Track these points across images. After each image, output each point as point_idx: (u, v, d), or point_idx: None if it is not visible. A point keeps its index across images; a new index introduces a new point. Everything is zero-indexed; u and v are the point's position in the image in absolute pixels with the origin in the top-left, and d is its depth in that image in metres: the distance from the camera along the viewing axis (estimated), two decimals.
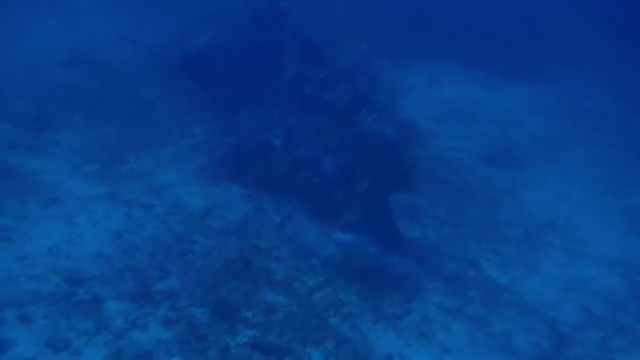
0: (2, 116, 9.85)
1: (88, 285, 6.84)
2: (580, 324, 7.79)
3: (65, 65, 11.77)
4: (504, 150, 11.56)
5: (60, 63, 11.83)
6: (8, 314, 6.16)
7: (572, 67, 15.77)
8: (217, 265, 7.62)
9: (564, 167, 11.79)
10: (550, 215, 10.06)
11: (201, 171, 9.92)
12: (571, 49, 16.03)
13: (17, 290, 6.51)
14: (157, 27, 14.08)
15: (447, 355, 6.66)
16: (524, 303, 7.91)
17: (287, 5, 11.10)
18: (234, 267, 7.64)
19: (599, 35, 16.28)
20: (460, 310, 7.47)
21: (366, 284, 7.85)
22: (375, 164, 9.61)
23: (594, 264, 9.05)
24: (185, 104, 11.53)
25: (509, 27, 15.35)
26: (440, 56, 15.38)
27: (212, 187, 9.47)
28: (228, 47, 11.43)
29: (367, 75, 10.31)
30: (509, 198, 10.24)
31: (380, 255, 7.98)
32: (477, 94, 14.43)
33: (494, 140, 12.19)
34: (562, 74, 15.66)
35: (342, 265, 8.19)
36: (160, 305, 6.75)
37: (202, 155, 10.33)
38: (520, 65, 15.26)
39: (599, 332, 7.68)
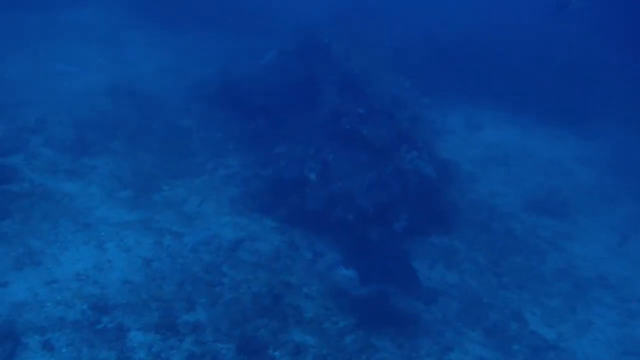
0: (44, 141, 9.97)
1: (113, 313, 6.64)
2: None
3: (107, 94, 11.96)
4: (549, 199, 11.05)
5: (103, 93, 12.04)
6: (31, 339, 6.00)
7: (619, 119, 15.23)
8: (246, 299, 7.35)
9: (614, 220, 11.18)
10: (600, 269, 9.47)
11: (234, 202, 9.77)
12: (618, 100, 15.51)
13: (43, 315, 6.37)
14: (199, 59, 14.34)
15: None
16: None
17: (328, 40, 11.09)
18: (262, 302, 7.35)
19: None
20: None
21: (400, 329, 7.42)
22: (414, 203, 9.30)
23: None
24: (221, 134, 11.52)
25: (555, 74, 15.00)
26: (482, 99, 15.12)
27: (244, 219, 9.29)
28: (267, 79, 11.44)
29: (408, 113, 10.09)
30: (555, 249, 9.71)
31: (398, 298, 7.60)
32: (520, 139, 14.03)
33: (538, 188, 11.71)
34: (609, 124, 15.11)
35: (374, 308, 7.78)
36: (185, 338, 6.49)
37: (235, 186, 10.21)
38: (566, 113, 14.81)
39: None
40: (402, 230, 8.97)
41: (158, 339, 6.38)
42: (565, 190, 11.77)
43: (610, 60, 15.91)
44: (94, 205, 8.77)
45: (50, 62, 13.41)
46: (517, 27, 16.47)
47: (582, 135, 14.70)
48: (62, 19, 16.08)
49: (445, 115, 13.62)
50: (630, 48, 15.35)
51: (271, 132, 11.16)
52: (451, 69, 14.60)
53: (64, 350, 5.94)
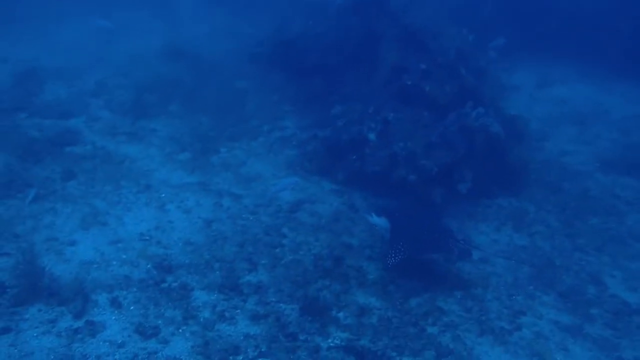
0: (104, 104, 10.07)
1: (177, 273, 6.65)
2: None
3: (162, 57, 11.95)
4: (628, 157, 10.21)
5: (157, 55, 12.03)
6: (100, 297, 6.07)
7: None
8: (307, 261, 7.20)
9: None
10: None
11: (291, 164, 9.61)
12: None
13: (109, 274, 6.44)
14: (252, 20, 14.08)
15: None
16: None
17: None
18: (324, 264, 7.18)
19: None
20: (580, 329, 6.52)
21: (468, 292, 7.10)
22: (479, 163, 8.83)
23: None
24: (277, 96, 11.32)
25: (635, 23, 13.70)
26: (550, 54, 14.12)
27: (301, 181, 9.10)
28: (323, 37, 11.04)
29: (472, 68, 9.51)
30: (636, 209, 8.99)
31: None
32: (594, 96, 13.05)
33: (615, 145, 10.88)
34: None
35: (440, 271, 7.49)
36: (248, 298, 6.42)
37: (292, 148, 10.03)
38: None
39: None
40: (466, 191, 8.54)
41: (222, 299, 6.34)
42: None
43: None
44: (154, 167, 8.81)
45: (105, 26, 13.47)
46: None
47: None
48: None
49: (511, 71, 12.83)
50: None
51: (328, 92, 10.84)
52: (517, 21, 13.66)
53: (131, 307, 5.99)
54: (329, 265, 7.17)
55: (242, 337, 5.80)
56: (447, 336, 6.26)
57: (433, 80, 9.07)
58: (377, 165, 8.81)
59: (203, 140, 9.78)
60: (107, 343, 5.49)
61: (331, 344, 5.87)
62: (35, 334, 5.44)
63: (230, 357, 5.50)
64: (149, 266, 6.66)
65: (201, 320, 5.96)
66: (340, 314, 6.36)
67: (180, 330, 5.79)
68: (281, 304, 6.39)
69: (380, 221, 7.40)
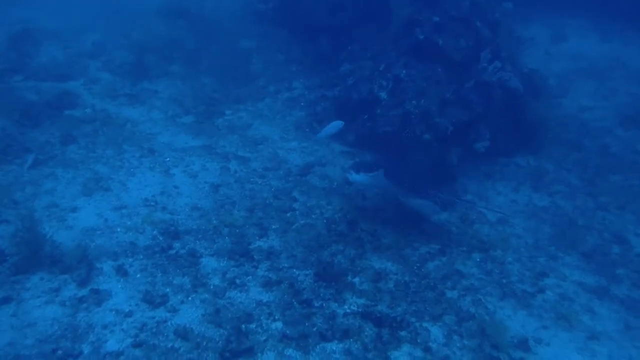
0: (102, 66, 9.66)
1: (184, 239, 6.37)
2: None
3: (161, 16, 11.43)
4: None
5: (156, 14, 11.51)
6: (105, 264, 5.80)
7: None
8: (319, 225, 6.91)
9: None
10: None
11: (300, 126, 9.24)
12: None
13: (114, 241, 6.15)
14: None
15: (595, 342, 5.53)
16: None
17: None
18: (337, 228, 6.90)
19: None
20: (606, 290, 6.26)
21: (488, 254, 6.82)
22: (497, 120, 8.44)
23: None
24: (283, 56, 10.84)
25: None
26: (565, 7, 13.50)
27: (311, 143, 8.76)
28: None
29: (488, 20, 9.00)
30: None
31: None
32: (611, 50, 12.50)
33: (636, 100, 10.43)
34: None
35: (457, 232, 7.20)
36: (259, 264, 6.15)
37: (300, 109, 9.64)
38: None
39: None
40: (484, 150, 8.18)
41: (232, 265, 6.08)
42: None
43: None
44: (157, 131, 8.45)
45: None
46: None
47: None
48: None
49: (526, 24, 12.25)
50: None
51: (336, 51, 10.39)
52: None
53: (138, 275, 5.73)
54: (342, 229, 6.89)
55: (254, 305, 5.55)
56: (467, 300, 6.02)
57: (447, 33, 8.59)
58: (389, 125, 8.43)
59: (207, 102, 9.39)
60: (114, 312, 5.23)
61: (347, 311, 5.62)
62: (37, 304, 5.19)
63: (243, 325, 5.25)
64: (154, 232, 6.38)
65: (211, 287, 5.70)
66: (356, 279, 6.10)
67: (190, 298, 5.53)
68: (294, 270, 6.12)
69: (359, 178, 7.02)
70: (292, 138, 8.88)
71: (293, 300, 5.67)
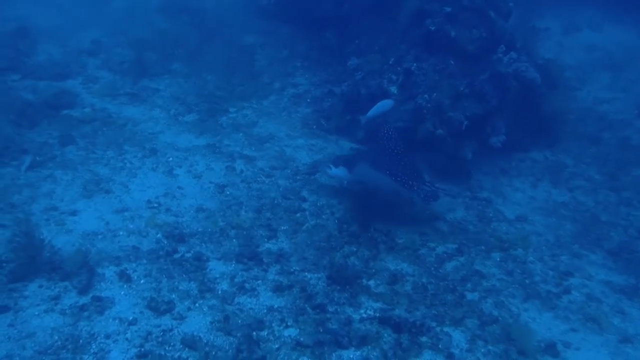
0: (101, 64, 9.36)
1: (190, 242, 6.06)
2: None
3: (161, 12, 11.14)
4: None
5: (156, 10, 11.22)
6: (107, 270, 5.49)
7: None
8: (331, 225, 6.60)
9: None
10: None
11: (306, 123, 8.93)
12: None
13: (116, 245, 5.84)
14: None
15: (628, 346, 5.21)
16: None
17: None
18: (349, 228, 6.58)
19: None
20: (636, 290, 5.94)
21: (508, 253, 6.50)
22: (513, 113, 8.12)
23: None
24: (287, 51, 10.52)
25: None
26: None
27: (319, 141, 8.47)
28: None
29: (501, 10, 8.66)
30: None
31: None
32: (626, 40, 12.11)
33: None
34: None
35: (475, 231, 6.88)
36: (269, 268, 5.83)
37: (307, 106, 9.33)
38: None
39: None
40: (501, 145, 7.86)
41: (240, 269, 5.76)
42: None
43: None
44: (159, 130, 8.15)
45: None
46: None
47: None
48: None
49: (535, 16, 11.92)
50: None
51: (342, 45, 10.07)
52: None
53: (142, 281, 5.42)
54: (355, 229, 6.58)
55: (265, 311, 5.23)
56: (489, 302, 5.70)
57: (459, 24, 8.26)
58: (400, 120, 8.12)
59: (210, 100, 9.08)
60: (117, 320, 4.92)
61: (364, 315, 5.30)
62: (36, 313, 4.88)
63: (254, 333, 4.94)
64: (159, 235, 6.07)
65: (219, 293, 5.39)
66: (371, 282, 5.79)
67: (197, 305, 5.22)
68: (306, 273, 5.81)
69: (338, 172, 6.82)
70: (299, 135, 8.58)
71: (306, 306, 5.35)
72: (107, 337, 4.74)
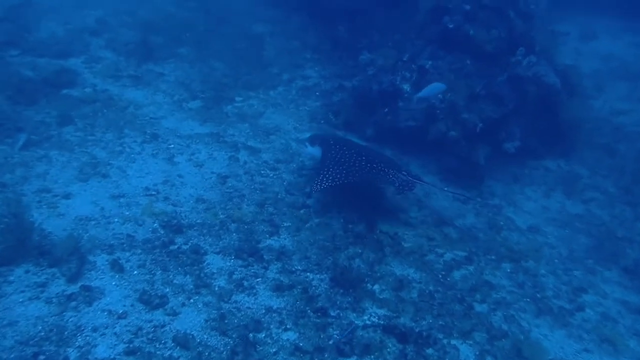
0: (105, 44, 9.03)
1: (188, 234, 5.77)
2: None
3: None
4: None
5: None
6: (98, 258, 5.20)
7: None
8: (335, 224, 6.30)
9: None
10: None
11: (314, 117, 8.63)
12: None
13: (110, 232, 5.55)
14: None
15: None
16: None
17: None
18: (355, 229, 6.28)
19: None
20: None
21: (519, 265, 6.22)
22: (529, 119, 7.83)
23: None
24: (297, 42, 10.23)
25: None
26: (594, 4, 12.83)
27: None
28: None
29: (521, 11, 8.35)
30: None
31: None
32: None
33: None
34: None
35: (485, 239, 6.59)
36: (270, 265, 5.54)
37: (315, 99, 9.03)
38: None
39: None
40: (515, 151, 7.58)
41: (239, 265, 5.47)
42: None
43: None
44: (161, 115, 7.84)
45: None
46: None
47: None
48: None
49: (554, 21, 11.63)
50: None
51: (354, 39, 9.79)
52: None
53: (135, 272, 5.13)
54: (360, 230, 6.28)
55: (263, 311, 4.95)
56: (498, 315, 5.42)
57: (478, 23, 7.95)
58: (411, 119, 7.84)
59: (216, 87, 8.78)
60: (106, 313, 4.64)
61: (367, 322, 5.02)
62: (20, 300, 4.59)
63: (251, 335, 4.66)
64: (155, 225, 5.77)
65: (216, 289, 5.11)
66: (376, 287, 5.50)
67: (192, 301, 4.94)
68: (308, 273, 5.52)
69: (315, 150, 6.61)
70: (307, 129, 8.27)
71: (307, 308, 5.07)
72: (94, 330, 4.47)
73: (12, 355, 4.14)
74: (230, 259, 5.53)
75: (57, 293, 4.72)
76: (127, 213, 5.86)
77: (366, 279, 5.57)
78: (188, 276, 5.21)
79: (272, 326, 4.80)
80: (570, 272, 6.21)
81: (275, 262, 5.59)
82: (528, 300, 5.67)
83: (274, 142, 7.79)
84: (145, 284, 5.01)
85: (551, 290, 5.87)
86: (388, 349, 4.75)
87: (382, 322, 5.03)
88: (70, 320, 4.50)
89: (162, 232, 5.70)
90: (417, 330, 5.01)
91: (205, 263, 5.42)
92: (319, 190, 6.08)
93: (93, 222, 5.62)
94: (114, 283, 4.97)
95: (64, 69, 8.10)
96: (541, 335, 5.24)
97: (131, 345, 4.38)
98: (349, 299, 5.26)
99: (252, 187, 6.74)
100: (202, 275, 5.25)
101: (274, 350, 4.57)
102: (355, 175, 6.20)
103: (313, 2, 10.31)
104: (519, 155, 7.92)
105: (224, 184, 6.70)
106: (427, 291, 5.58)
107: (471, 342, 5.02)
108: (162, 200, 6.20)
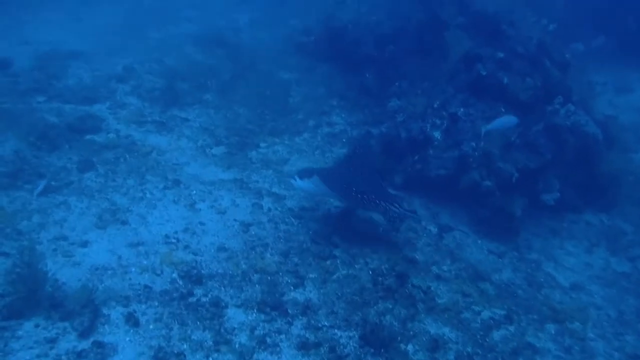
0: (131, 90, 9.02)
1: (208, 284, 5.43)
2: None
3: (197, 44, 10.91)
4: None
5: (192, 43, 11.00)
6: (113, 311, 4.87)
7: None
8: (364, 277, 5.92)
9: None
10: None
11: (341, 164, 8.32)
12: None
13: (127, 283, 5.25)
14: (299, 10, 12.90)
15: None
16: None
17: None
18: (384, 281, 5.88)
19: None
20: None
21: (564, 326, 5.71)
22: (568, 170, 7.45)
23: None
24: (324, 89, 10.12)
25: None
26: (630, 58, 12.59)
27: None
28: (377, 26, 9.84)
29: (556, 60, 8.14)
30: None
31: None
32: None
33: None
34: None
35: (525, 297, 6.12)
36: (294, 321, 5.15)
37: (342, 146, 8.78)
38: None
39: None
40: (554, 202, 7.17)
41: (262, 320, 5.10)
42: None
43: None
44: (184, 161, 7.65)
45: (139, 12, 12.57)
46: None
47: None
48: None
49: (590, 71, 11.41)
50: None
51: (382, 86, 9.65)
52: (594, 19, 12.22)
53: (151, 326, 4.78)
54: (390, 283, 5.88)
55: None
56: None
57: (512, 71, 7.74)
58: (442, 168, 7.53)
59: (241, 133, 8.62)
60: None
61: None
62: (28, 357, 4.26)
63: None
64: (174, 275, 5.46)
65: (237, 346, 4.72)
66: (409, 347, 5.06)
67: (211, 359, 4.54)
68: (335, 330, 5.11)
69: (303, 184, 6.34)
70: None
71: None
72: None
73: None
74: (253, 313, 5.16)
75: (67, 350, 4.38)
76: (145, 262, 5.57)
77: (399, 338, 5.13)
78: (207, 331, 4.84)
79: None
80: (621, 336, 5.68)
81: (300, 317, 5.21)
82: None
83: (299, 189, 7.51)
84: (161, 339, 4.66)
85: (602, 357, 5.34)
86: None
87: None
88: None
89: (180, 282, 5.38)
90: None
91: (226, 317, 5.06)
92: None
93: (109, 272, 5.32)
94: (128, 338, 4.62)
95: (89, 115, 8.04)
96: None
97: None
98: None
99: (276, 235, 6.42)
100: (222, 330, 4.88)
101: None
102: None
103: (340, 52, 10.29)
104: (557, 208, 7.51)
105: (247, 232, 6.39)
106: (465, 353, 5.13)
107: None
108: (182, 249, 5.90)
